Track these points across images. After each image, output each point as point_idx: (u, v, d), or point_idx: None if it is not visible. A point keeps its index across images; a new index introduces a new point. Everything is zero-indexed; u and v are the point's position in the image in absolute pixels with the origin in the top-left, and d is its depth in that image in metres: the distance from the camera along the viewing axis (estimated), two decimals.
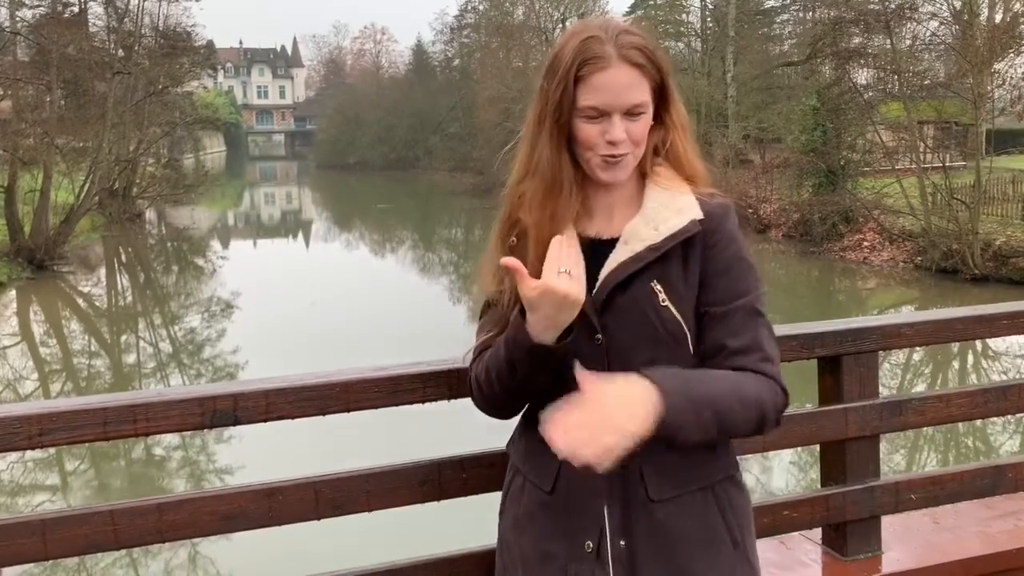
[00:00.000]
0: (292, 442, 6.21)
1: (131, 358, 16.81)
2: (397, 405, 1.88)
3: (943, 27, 24.65)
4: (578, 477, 1.56)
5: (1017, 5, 23.97)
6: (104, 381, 14.89)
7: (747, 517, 1.65)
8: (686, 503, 1.56)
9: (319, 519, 1.85)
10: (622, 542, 1.54)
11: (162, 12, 37.34)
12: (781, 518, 2.20)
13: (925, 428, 5.91)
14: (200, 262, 29.07)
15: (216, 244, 33.57)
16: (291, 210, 51.53)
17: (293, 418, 1.82)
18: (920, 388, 12.78)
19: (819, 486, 2.34)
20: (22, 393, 13.96)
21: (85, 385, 14.61)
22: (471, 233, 33.25)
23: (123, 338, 18.54)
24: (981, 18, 23.98)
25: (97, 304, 22.54)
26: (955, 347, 13.76)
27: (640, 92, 1.51)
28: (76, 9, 31.51)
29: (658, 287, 1.53)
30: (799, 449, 7.29)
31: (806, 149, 24.94)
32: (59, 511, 1.75)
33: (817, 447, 2.33)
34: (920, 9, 24.05)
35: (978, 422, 10.27)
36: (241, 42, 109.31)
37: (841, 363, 2.23)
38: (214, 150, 77.06)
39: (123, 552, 7.21)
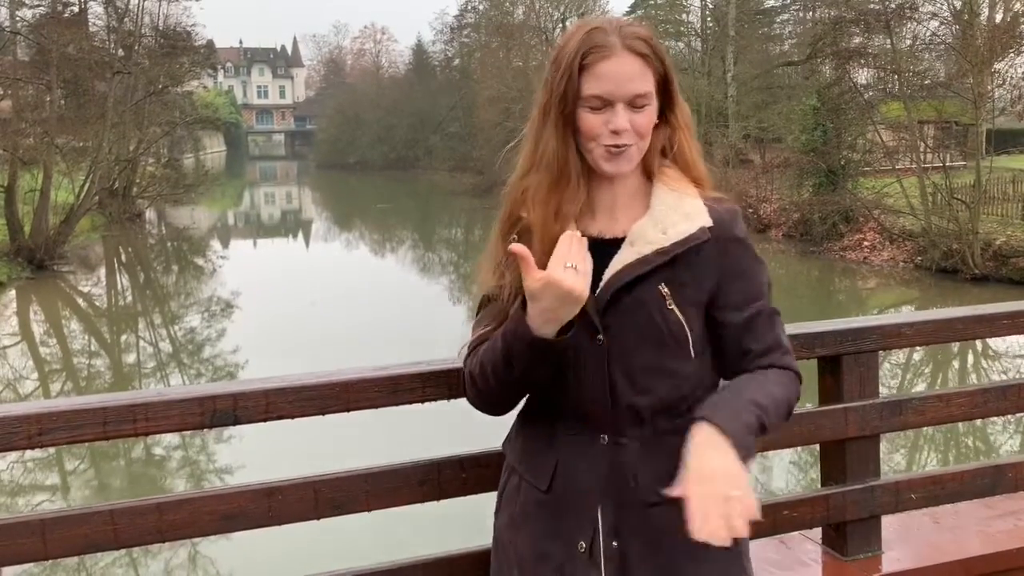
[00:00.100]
0: (292, 442, 6.21)
1: (131, 358, 16.81)
2: (397, 405, 1.88)
3: (943, 27, 24.66)
4: (574, 477, 1.57)
5: (1017, 5, 23.97)
6: (104, 381, 14.89)
7: None
8: (680, 505, 1.55)
9: (319, 519, 1.85)
10: (614, 543, 1.54)
11: (162, 12, 37.40)
12: (781, 518, 2.20)
13: (925, 428, 5.91)
14: (200, 262, 29.06)
15: (216, 244, 33.56)
16: (291, 210, 51.53)
17: (293, 418, 1.82)
18: (920, 388, 12.78)
19: (819, 486, 2.34)
20: (22, 393, 13.96)
21: (85, 385, 14.61)
22: (471, 233, 33.25)
23: (123, 338, 18.54)
24: (981, 18, 23.97)
25: (97, 304, 22.54)
26: (955, 347, 13.76)
27: (644, 82, 1.50)
28: (76, 9, 31.49)
29: (665, 290, 1.53)
30: (799, 449, 7.29)
31: (806, 149, 24.95)
32: (59, 511, 1.75)
33: (817, 447, 2.33)
34: (920, 9, 24.07)
35: (978, 422, 10.27)
36: (241, 42, 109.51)
37: (841, 363, 2.23)
38: (214, 150, 77.04)
39: (123, 552, 7.22)
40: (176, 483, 9.94)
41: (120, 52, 33.19)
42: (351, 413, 1.85)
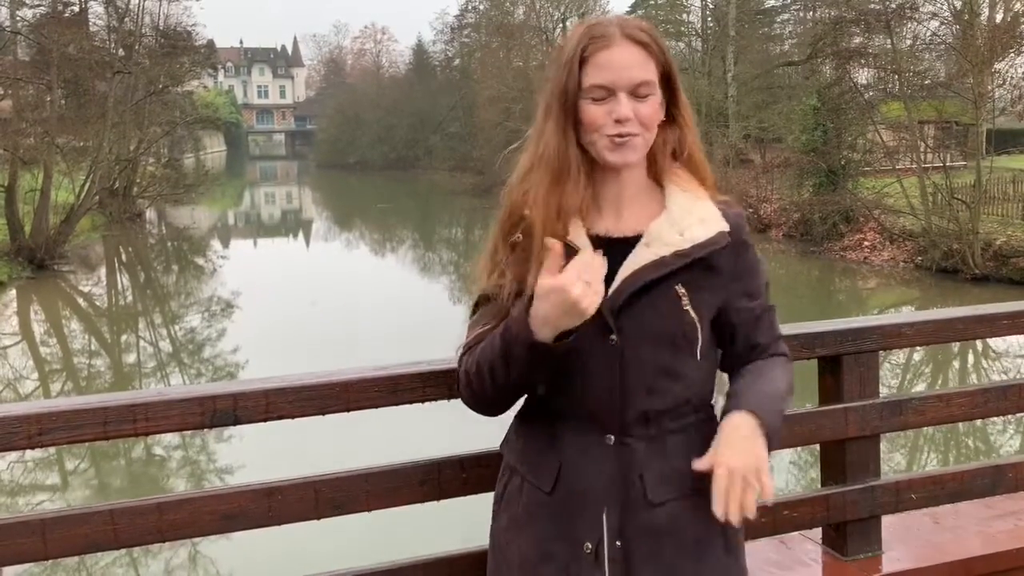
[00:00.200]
0: (292, 441, 6.21)
1: (131, 358, 16.81)
2: (397, 405, 1.88)
3: (944, 27, 24.65)
4: (579, 478, 1.56)
5: (1017, 5, 23.96)
6: (104, 381, 14.89)
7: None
8: (683, 506, 1.56)
9: (319, 519, 1.85)
10: (618, 543, 1.54)
11: (162, 11, 37.44)
12: (781, 518, 2.20)
13: (925, 428, 5.91)
14: (200, 261, 29.06)
15: (216, 243, 33.56)
16: (291, 209, 51.53)
17: (293, 418, 1.82)
18: (920, 388, 12.78)
19: (819, 486, 2.34)
20: (22, 392, 13.96)
21: (85, 385, 14.61)
22: (471, 233, 33.23)
23: (123, 338, 18.54)
24: (982, 18, 23.97)
25: (97, 304, 22.54)
26: (955, 347, 13.76)
27: (646, 70, 1.50)
28: (76, 8, 31.51)
29: (682, 291, 1.53)
30: (799, 449, 7.28)
31: (806, 149, 24.94)
32: (59, 511, 1.75)
33: (817, 447, 2.33)
34: (920, 9, 24.06)
35: (978, 422, 10.27)
36: (241, 41, 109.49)
37: (841, 363, 2.23)
38: (214, 150, 77.02)
39: (123, 552, 7.22)
40: (176, 483, 9.94)
41: (120, 52, 33.20)
42: (351, 413, 1.85)
